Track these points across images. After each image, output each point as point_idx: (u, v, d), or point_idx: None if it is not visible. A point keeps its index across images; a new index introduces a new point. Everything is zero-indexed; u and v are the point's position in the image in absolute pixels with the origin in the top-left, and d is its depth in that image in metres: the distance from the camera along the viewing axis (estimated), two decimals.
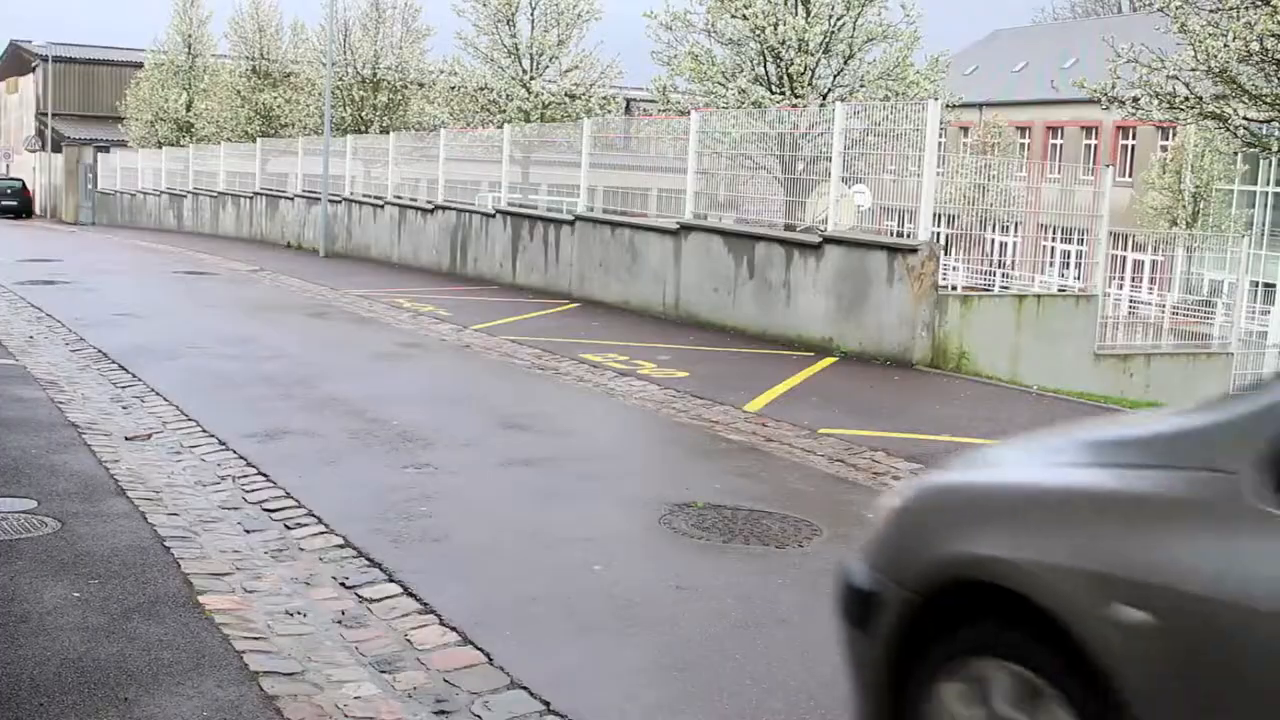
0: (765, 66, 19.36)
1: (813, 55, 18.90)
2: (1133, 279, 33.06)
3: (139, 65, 45.82)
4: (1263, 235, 32.98)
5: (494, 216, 20.34)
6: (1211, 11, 13.88)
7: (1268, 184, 34.95)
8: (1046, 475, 2.83)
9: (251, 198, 32.34)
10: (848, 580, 3.14)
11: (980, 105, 39.93)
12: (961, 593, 2.78)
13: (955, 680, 2.81)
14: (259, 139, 33.96)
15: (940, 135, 13.49)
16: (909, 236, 13.10)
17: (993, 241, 18.16)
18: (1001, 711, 2.70)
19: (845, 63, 19.30)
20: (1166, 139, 36.04)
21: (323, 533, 5.60)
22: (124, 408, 8.37)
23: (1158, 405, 10.09)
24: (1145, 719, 2.40)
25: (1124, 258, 34.72)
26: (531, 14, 27.47)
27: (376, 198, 25.23)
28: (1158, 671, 2.37)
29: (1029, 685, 2.64)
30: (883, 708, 2.99)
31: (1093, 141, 40.02)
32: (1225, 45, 13.39)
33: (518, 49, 27.48)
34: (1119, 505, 2.57)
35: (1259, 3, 13.23)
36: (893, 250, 12.39)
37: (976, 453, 3.37)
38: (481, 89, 27.66)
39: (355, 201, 26.14)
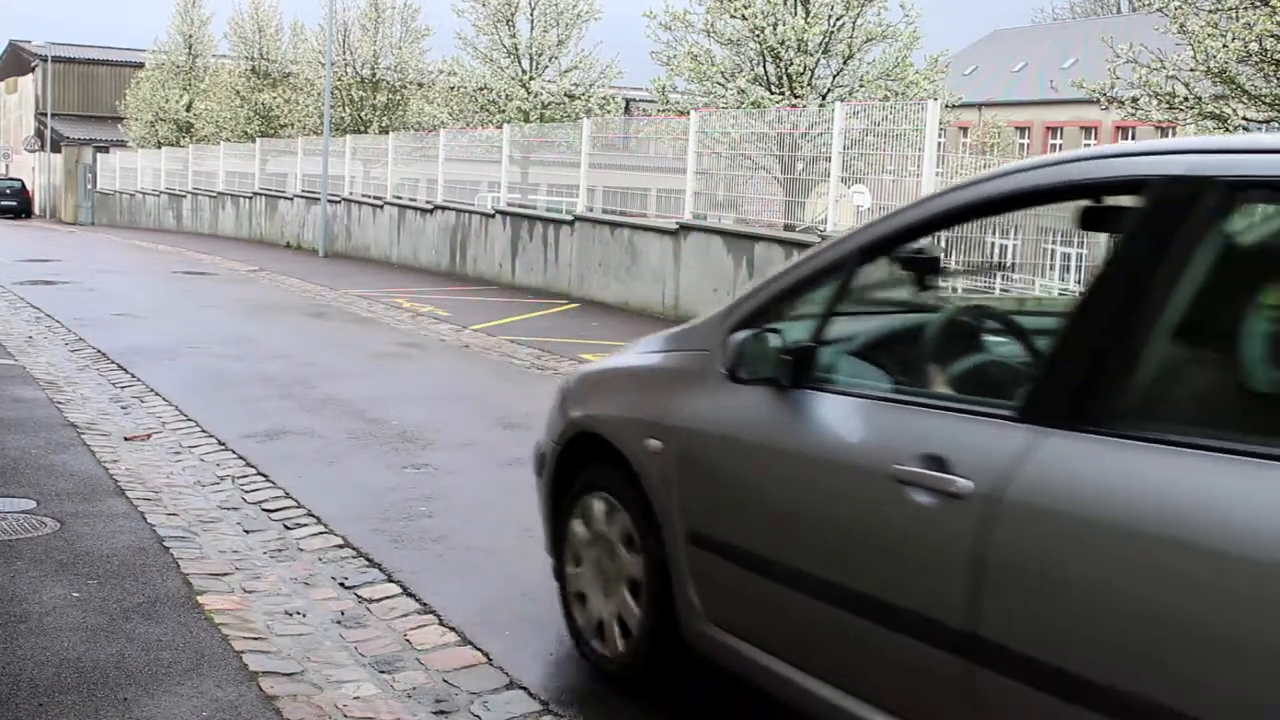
0: (765, 66, 19.36)
1: (812, 55, 18.90)
2: None
3: (139, 65, 45.83)
4: None
5: (493, 217, 20.34)
6: (1211, 12, 13.87)
7: None
8: (631, 360, 4.14)
9: (251, 198, 32.35)
10: (536, 447, 4.48)
11: (980, 105, 39.98)
12: (579, 442, 4.12)
13: (578, 512, 4.11)
14: (258, 139, 33.95)
15: (939, 135, 13.49)
16: None
17: (992, 244, 18.15)
18: (597, 529, 4.01)
19: (845, 63, 19.31)
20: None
21: (322, 533, 5.60)
22: (123, 408, 8.37)
23: None
24: (667, 512, 3.61)
25: None
26: (531, 14, 27.46)
27: (376, 198, 25.23)
28: (669, 478, 3.59)
29: (611, 506, 3.92)
30: (549, 535, 4.38)
31: (1092, 142, 40.05)
32: (1224, 46, 13.39)
33: (517, 49, 27.47)
34: (654, 375, 3.88)
35: (1258, 3, 13.24)
36: None
37: (617, 349, 4.59)
38: (481, 89, 27.64)
39: (354, 202, 26.14)
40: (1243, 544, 2.17)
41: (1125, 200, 2.74)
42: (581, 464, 4.12)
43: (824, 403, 3.15)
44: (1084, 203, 2.83)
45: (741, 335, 3.31)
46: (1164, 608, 2.30)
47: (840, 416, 3.09)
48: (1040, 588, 2.51)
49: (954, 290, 3.88)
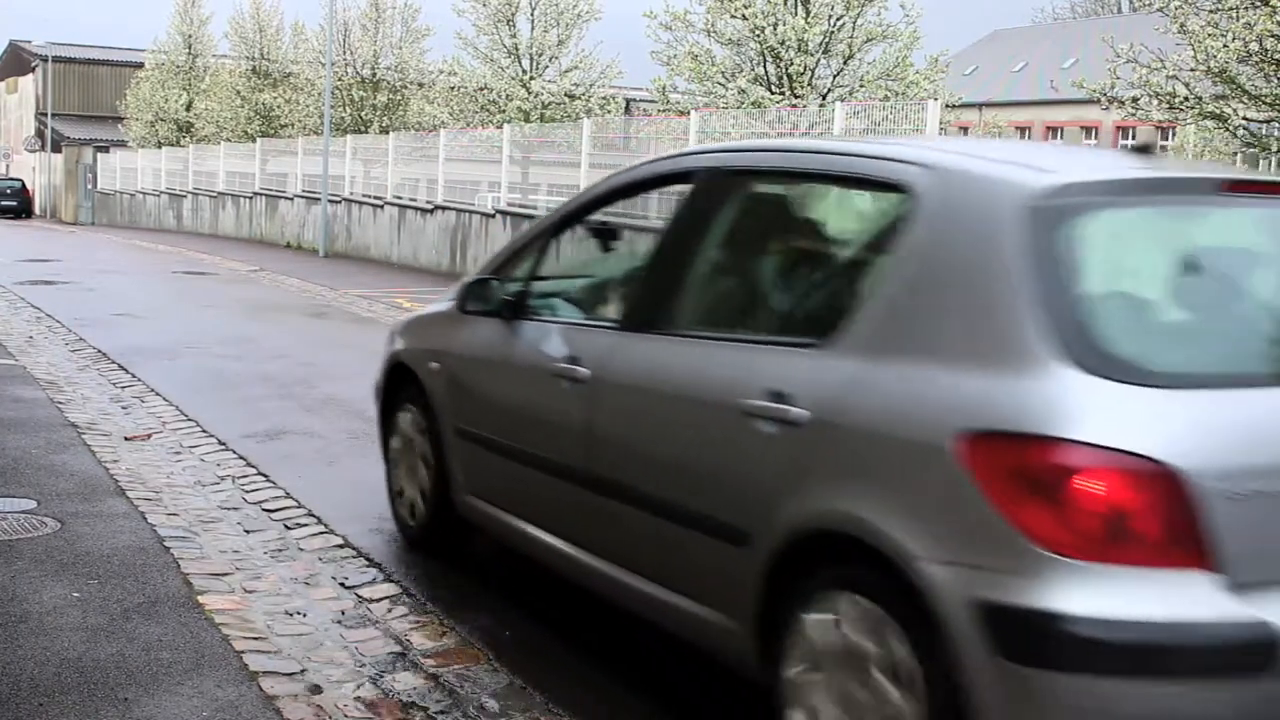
0: (765, 66, 19.36)
1: (812, 55, 18.90)
2: None
3: (139, 65, 45.81)
4: None
5: (494, 216, 20.34)
6: (1211, 12, 13.88)
7: None
8: (435, 306, 5.33)
9: (251, 198, 32.34)
10: (375, 382, 5.69)
11: (980, 105, 39.98)
12: (397, 370, 5.42)
13: (395, 423, 5.44)
14: (259, 139, 33.94)
15: (940, 135, 13.48)
16: None
17: None
18: (406, 433, 5.32)
19: (845, 63, 19.30)
20: (1166, 139, 36.03)
21: (322, 533, 5.59)
22: (123, 408, 8.37)
23: None
24: (443, 415, 4.94)
25: None
26: (531, 14, 27.46)
27: (376, 198, 25.23)
28: (443, 389, 4.95)
29: (414, 416, 5.23)
30: (382, 446, 5.63)
31: (1092, 142, 40.04)
32: (1225, 45, 13.39)
33: (518, 49, 27.47)
34: (440, 315, 5.16)
35: (1258, 3, 13.24)
36: None
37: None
38: (481, 89, 27.64)
39: (355, 202, 26.14)
40: (714, 394, 3.43)
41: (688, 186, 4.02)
42: (397, 382, 5.39)
43: (528, 328, 4.48)
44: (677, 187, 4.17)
45: (466, 280, 4.82)
46: (678, 438, 3.58)
47: (534, 337, 4.41)
48: (621, 435, 3.87)
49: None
